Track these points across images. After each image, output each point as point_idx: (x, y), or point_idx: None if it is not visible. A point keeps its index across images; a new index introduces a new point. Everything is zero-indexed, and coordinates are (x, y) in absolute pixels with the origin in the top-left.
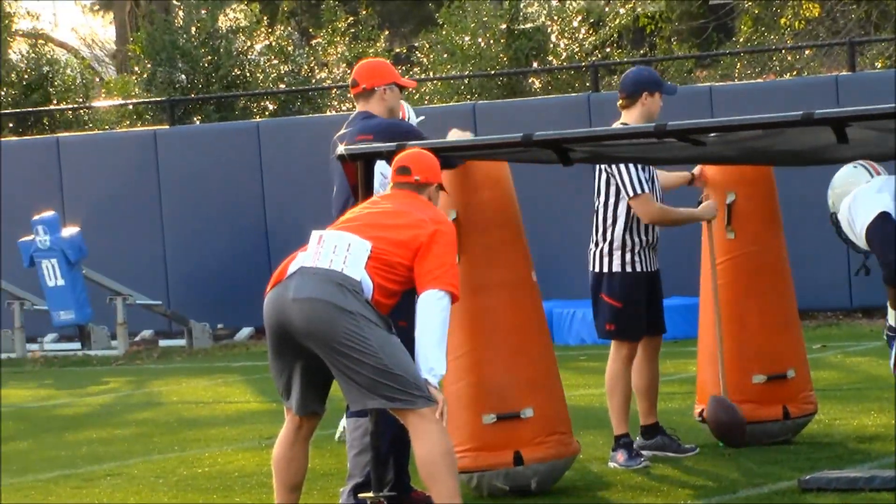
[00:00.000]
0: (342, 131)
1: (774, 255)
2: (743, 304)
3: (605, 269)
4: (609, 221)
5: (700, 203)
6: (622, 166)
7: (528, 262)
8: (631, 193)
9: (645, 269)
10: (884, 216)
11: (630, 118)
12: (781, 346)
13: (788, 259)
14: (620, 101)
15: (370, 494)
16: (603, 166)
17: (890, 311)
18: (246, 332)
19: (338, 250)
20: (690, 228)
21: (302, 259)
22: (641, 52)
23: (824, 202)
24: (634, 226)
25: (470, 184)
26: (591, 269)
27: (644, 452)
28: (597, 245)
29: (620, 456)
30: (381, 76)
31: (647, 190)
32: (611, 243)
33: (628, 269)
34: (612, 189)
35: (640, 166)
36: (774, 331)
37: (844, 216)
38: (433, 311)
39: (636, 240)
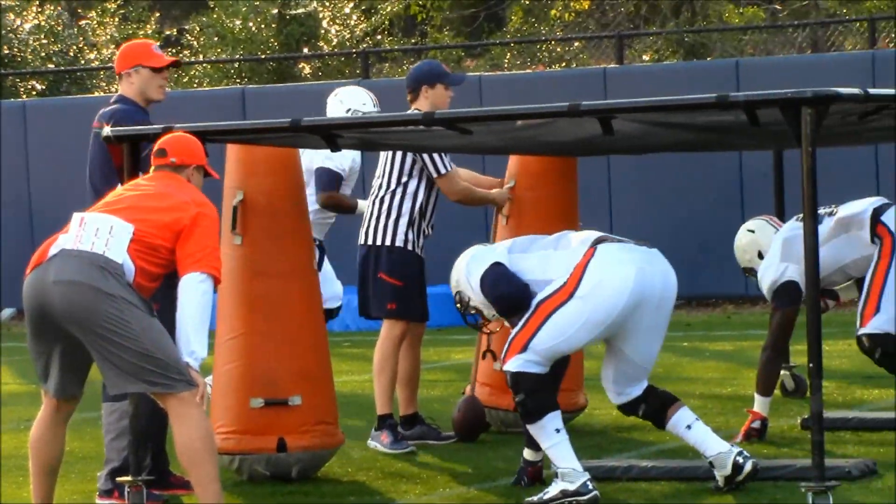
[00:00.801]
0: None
1: None
2: None
3: (387, 243)
4: (399, 197)
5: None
6: None
7: (311, 251)
8: (441, 171)
9: (420, 254)
10: (496, 264)
11: None
12: None
13: None
14: (408, 97)
15: (128, 478)
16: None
17: None
18: (7, 312)
19: (100, 233)
20: (464, 214)
21: (63, 241)
22: (413, 40)
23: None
24: (428, 209)
25: (258, 168)
26: (366, 242)
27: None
28: (377, 219)
29: (385, 437)
30: (127, 59)
31: (452, 168)
32: (397, 219)
33: (409, 247)
34: (416, 169)
35: None
36: None
37: (465, 285)
38: (194, 295)
39: (422, 224)
